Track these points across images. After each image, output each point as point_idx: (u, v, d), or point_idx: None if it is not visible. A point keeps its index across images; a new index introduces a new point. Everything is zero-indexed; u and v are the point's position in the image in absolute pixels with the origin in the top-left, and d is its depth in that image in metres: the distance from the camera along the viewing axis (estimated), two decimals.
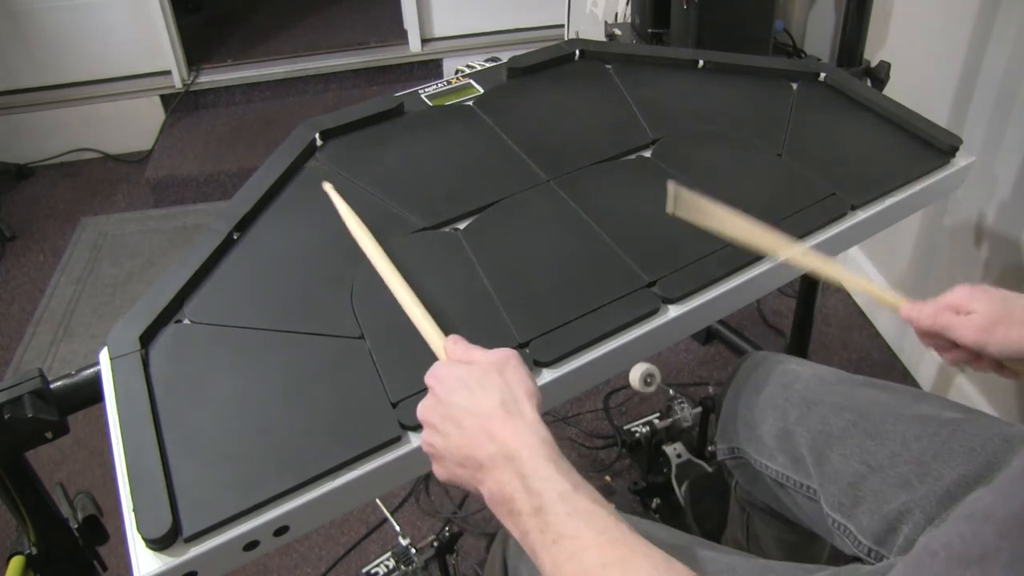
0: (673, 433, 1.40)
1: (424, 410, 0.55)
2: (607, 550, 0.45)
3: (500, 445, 0.50)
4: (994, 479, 0.65)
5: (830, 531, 0.75)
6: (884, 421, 0.73)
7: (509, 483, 0.49)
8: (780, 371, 0.83)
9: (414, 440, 0.61)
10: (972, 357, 0.68)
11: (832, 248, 0.81)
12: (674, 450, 1.36)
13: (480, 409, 0.51)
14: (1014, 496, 0.41)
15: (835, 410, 0.76)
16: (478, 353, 0.56)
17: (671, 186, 0.71)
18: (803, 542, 0.96)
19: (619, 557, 0.44)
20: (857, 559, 0.72)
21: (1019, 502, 0.40)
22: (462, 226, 0.81)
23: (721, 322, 1.70)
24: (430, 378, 0.56)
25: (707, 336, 1.73)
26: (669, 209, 0.72)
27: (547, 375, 0.66)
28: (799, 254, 0.73)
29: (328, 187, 0.82)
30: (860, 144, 0.91)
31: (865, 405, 0.75)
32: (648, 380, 1.37)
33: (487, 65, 1.08)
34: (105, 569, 0.77)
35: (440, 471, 0.54)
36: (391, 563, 1.17)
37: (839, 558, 1.10)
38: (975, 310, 0.66)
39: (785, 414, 0.79)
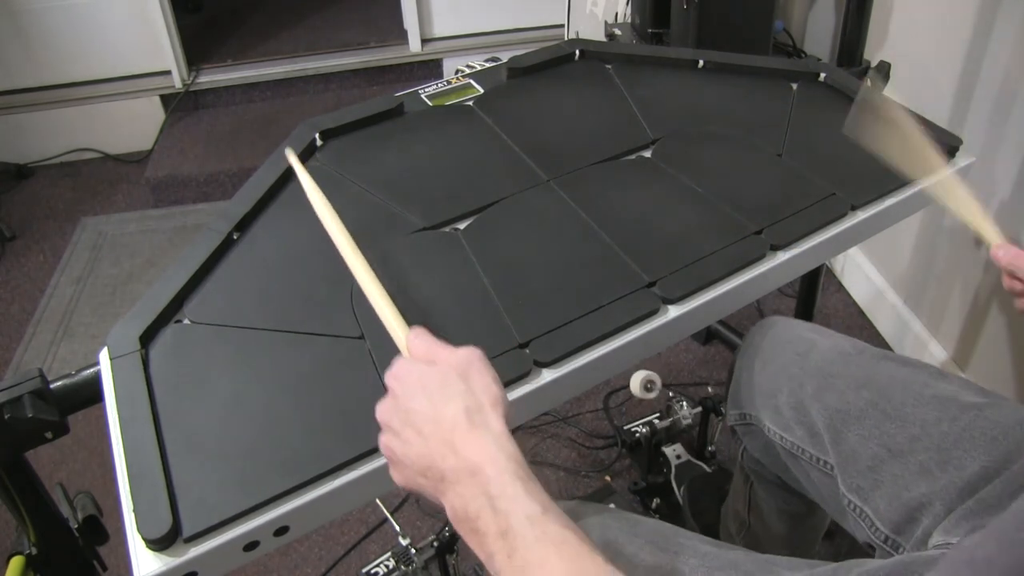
0: (673, 433, 1.40)
1: (383, 412, 0.52)
2: None
3: (463, 459, 0.47)
4: (1010, 471, 0.64)
5: (843, 511, 0.74)
6: (904, 402, 0.72)
7: (473, 500, 0.46)
8: (796, 338, 0.83)
9: None
10: None
11: (832, 248, 0.81)
12: (673, 451, 1.36)
13: (442, 417, 0.48)
14: (1017, 546, 0.41)
15: (853, 386, 0.75)
16: (442, 351, 0.53)
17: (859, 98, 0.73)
18: (805, 512, 0.95)
19: None
20: (857, 553, 0.72)
21: (1022, 553, 0.40)
22: (462, 226, 0.81)
23: (721, 322, 1.70)
24: (390, 377, 0.53)
25: (707, 336, 1.73)
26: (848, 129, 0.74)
27: (547, 375, 0.66)
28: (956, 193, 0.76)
29: (289, 153, 0.79)
30: (860, 144, 0.91)
31: (884, 382, 0.75)
32: (649, 386, 1.37)
33: (487, 65, 1.08)
34: (105, 569, 0.77)
35: (399, 477, 0.52)
36: (391, 563, 1.17)
37: (839, 531, 1.11)
38: None
39: (801, 386, 0.79)
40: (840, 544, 1.26)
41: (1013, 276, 0.72)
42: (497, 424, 0.48)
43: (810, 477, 0.80)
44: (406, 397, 0.51)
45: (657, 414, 1.42)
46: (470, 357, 0.52)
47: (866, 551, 0.73)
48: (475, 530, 0.46)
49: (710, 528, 1.23)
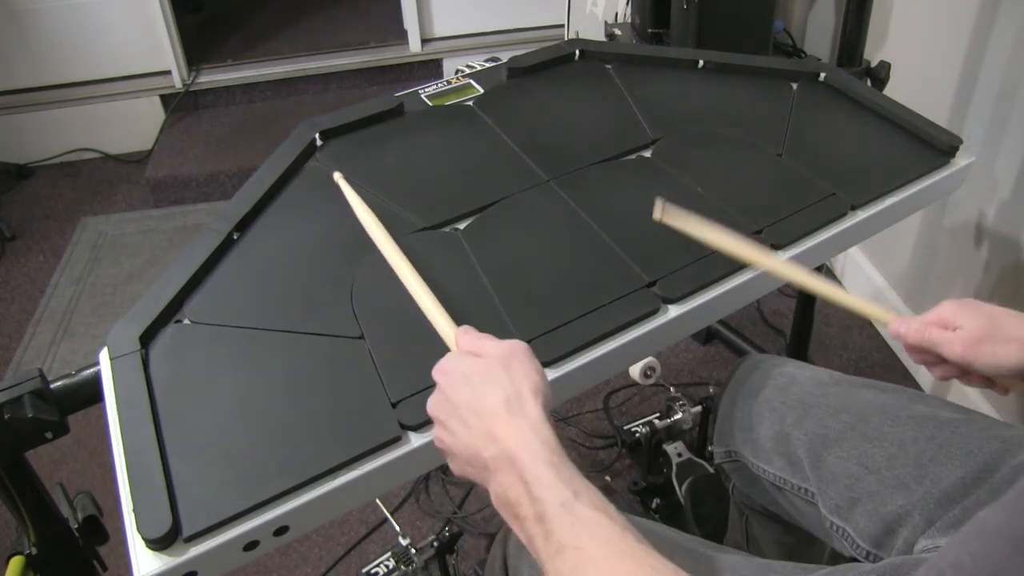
0: (673, 433, 1.39)
1: (433, 406, 0.55)
2: (612, 563, 0.44)
3: (502, 447, 0.49)
4: (992, 481, 0.64)
5: (828, 534, 0.75)
6: (881, 423, 0.73)
7: (512, 487, 0.48)
8: (777, 374, 0.83)
9: (414, 440, 0.61)
10: (961, 372, 0.68)
11: (832, 248, 0.81)
12: (675, 449, 1.36)
13: (484, 408, 0.51)
14: None
15: (832, 412, 0.76)
16: (487, 344, 0.55)
17: (659, 202, 0.71)
18: (802, 544, 0.96)
19: (624, 571, 0.44)
20: (855, 559, 0.72)
21: None
22: (462, 226, 0.81)
23: (721, 322, 1.70)
24: (437, 372, 0.55)
25: (707, 336, 1.73)
26: (656, 216, 0.71)
27: (547, 375, 0.66)
28: (781, 266, 0.72)
29: (339, 177, 0.82)
30: (860, 144, 0.91)
31: (862, 407, 0.75)
32: (648, 373, 1.37)
33: (487, 65, 1.08)
34: (105, 569, 0.77)
35: (454, 467, 0.54)
36: (391, 563, 1.17)
37: (839, 560, 1.10)
38: (962, 326, 0.66)
39: (782, 417, 0.79)
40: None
41: (922, 350, 0.69)
42: (534, 411, 0.51)
43: (796, 507, 0.80)
44: (452, 389, 0.53)
45: (657, 414, 1.42)
46: (514, 348, 0.54)
47: None
48: (516, 516, 0.48)
49: (712, 529, 1.23)
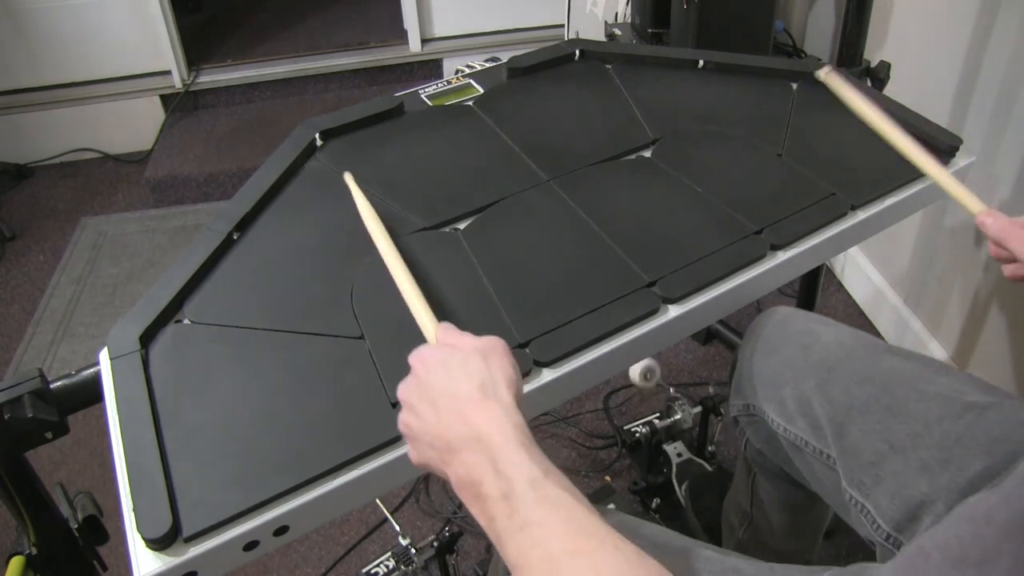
0: (673, 433, 1.40)
1: (404, 390, 0.54)
2: (576, 540, 0.44)
3: (472, 427, 0.49)
4: (1017, 471, 0.64)
5: (846, 506, 0.74)
6: (907, 397, 0.72)
7: (478, 466, 0.48)
8: (800, 330, 0.83)
9: None
10: None
11: (832, 248, 0.81)
12: (674, 449, 1.36)
13: (457, 391, 0.51)
14: (1019, 498, 0.41)
15: (857, 380, 0.76)
16: (467, 338, 0.56)
17: (826, 67, 0.75)
18: (808, 504, 0.95)
19: (588, 548, 0.43)
20: (858, 552, 0.72)
21: (1021, 506, 0.40)
22: (462, 226, 0.81)
23: (721, 322, 1.70)
24: (414, 359, 0.55)
25: (707, 336, 1.73)
26: (821, 76, 0.77)
27: (547, 375, 0.66)
28: (919, 156, 0.79)
29: (348, 177, 0.82)
30: (860, 144, 0.91)
31: (887, 376, 0.75)
32: (648, 375, 1.37)
33: (487, 65, 1.08)
34: (105, 569, 0.77)
35: (414, 453, 0.54)
36: (391, 563, 1.17)
37: (838, 530, 1.10)
38: None
39: (805, 378, 0.79)
40: (840, 544, 1.26)
41: (1000, 245, 0.73)
42: (507, 397, 0.51)
43: (813, 470, 0.80)
44: (427, 373, 0.53)
45: (657, 414, 1.42)
46: (492, 343, 0.55)
47: (868, 548, 0.73)
48: (478, 495, 0.48)
49: (713, 528, 1.23)
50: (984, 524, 0.41)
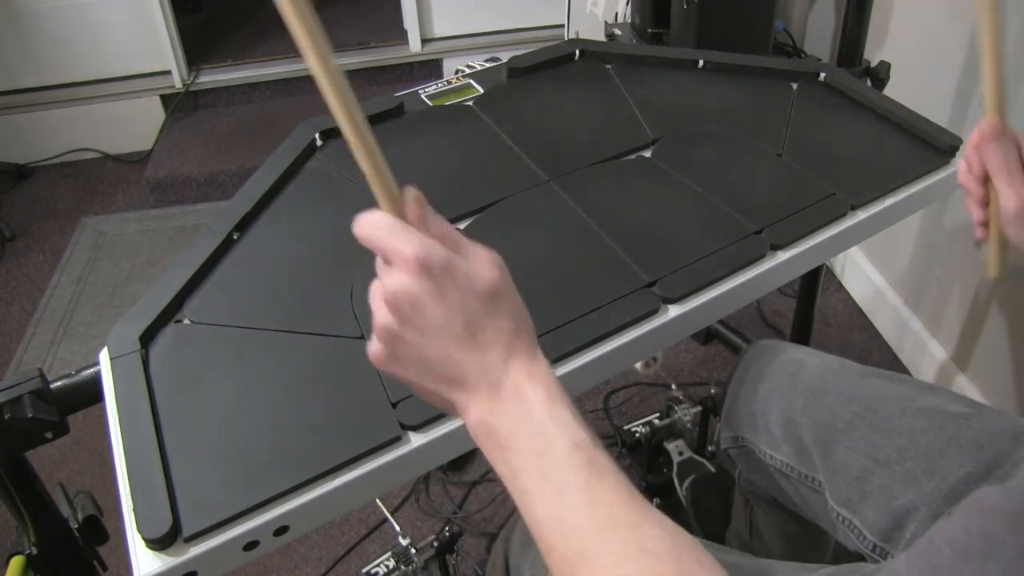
0: (673, 433, 1.40)
1: (393, 284, 0.43)
2: (620, 510, 0.40)
3: (508, 373, 0.44)
4: (999, 475, 0.64)
5: (834, 525, 0.74)
6: (891, 414, 0.73)
7: (510, 417, 0.43)
8: (786, 360, 0.83)
9: (414, 440, 0.61)
10: (985, 220, 0.69)
11: (832, 248, 0.81)
12: (676, 447, 1.36)
13: (500, 325, 0.44)
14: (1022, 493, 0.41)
15: (841, 401, 0.76)
16: (458, 265, 0.43)
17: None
18: (806, 534, 0.95)
19: (633, 521, 0.40)
20: (859, 557, 0.72)
21: None
22: (462, 226, 0.81)
23: (721, 322, 1.70)
24: (390, 301, 0.43)
25: (707, 336, 1.73)
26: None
27: None
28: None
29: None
30: (860, 144, 0.91)
31: (872, 397, 0.75)
32: (649, 362, 1.37)
33: (487, 65, 1.08)
34: (105, 569, 0.77)
35: (396, 368, 0.45)
36: (391, 563, 1.17)
37: (843, 553, 1.10)
38: None
39: (791, 404, 0.79)
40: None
41: (984, 179, 0.68)
42: (542, 355, 0.46)
43: (801, 495, 0.80)
44: (455, 294, 0.43)
45: (657, 414, 1.42)
46: (492, 274, 0.45)
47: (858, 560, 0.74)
48: (502, 446, 0.43)
49: (713, 529, 1.23)
50: (992, 517, 0.41)
